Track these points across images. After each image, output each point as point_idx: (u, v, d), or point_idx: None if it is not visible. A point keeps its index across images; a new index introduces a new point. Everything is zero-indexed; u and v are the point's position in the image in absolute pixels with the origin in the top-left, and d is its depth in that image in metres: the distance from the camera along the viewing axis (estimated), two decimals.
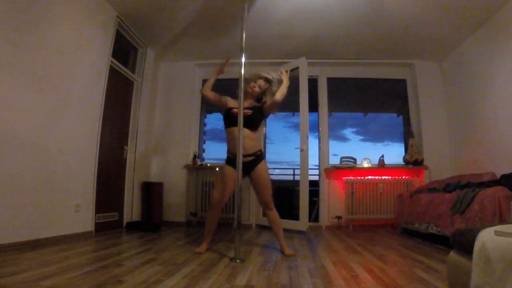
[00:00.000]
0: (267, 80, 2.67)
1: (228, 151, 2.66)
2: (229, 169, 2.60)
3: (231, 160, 2.61)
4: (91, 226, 3.26)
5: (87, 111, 3.21)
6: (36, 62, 2.56)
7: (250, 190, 4.49)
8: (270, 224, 2.67)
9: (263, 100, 2.69)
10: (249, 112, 2.54)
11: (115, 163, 3.80)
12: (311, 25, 3.82)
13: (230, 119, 2.57)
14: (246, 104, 2.59)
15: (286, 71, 2.71)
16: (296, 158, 4.05)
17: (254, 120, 2.59)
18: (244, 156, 2.45)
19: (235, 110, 2.52)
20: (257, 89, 2.66)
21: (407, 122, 4.81)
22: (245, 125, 2.46)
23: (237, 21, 3.70)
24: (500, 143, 3.37)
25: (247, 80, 2.66)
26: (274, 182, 5.83)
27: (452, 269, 1.24)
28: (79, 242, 2.76)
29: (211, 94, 2.68)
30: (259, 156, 2.59)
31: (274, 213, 2.63)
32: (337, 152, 4.89)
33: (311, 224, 4.39)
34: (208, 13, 3.60)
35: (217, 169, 4.19)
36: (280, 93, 2.56)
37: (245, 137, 2.47)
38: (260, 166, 2.57)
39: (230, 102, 2.66)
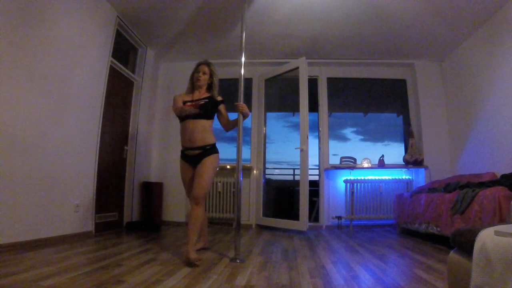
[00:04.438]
0: (207, 64, 2.57)
1: (182, 145, 2.49)
2: (182, 164, 2.49)
3: (183, 154, 2.48)
4: (91, 226, 3.26)
5: (87, 111, 3.21)
6: (36, 62, 2.56)
7: (250, 190, 4.50)
8: (189, 218, 2.33)
9: (212, 92, 2.55)
10: (202, 101, 2.42)
11: (115, 163, 3.80)
12: (311, 25, 3.82)
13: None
14: (198, 95, 2.52)
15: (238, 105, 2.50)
16: (296, 158, 4.05)
17: (210, 110, 2.46)
18: (191, 149, 2.39)
19: (188, 104, 2.43)
20: (204, 76, 2.53)
21: (407, 122, 4.81)
22: (199, 116, 2.38)
23: (237, 21, 3.70)
24: (500, 143, 3.37)
25: (192, 74, 2.58)
26: (274, 182, 5.87)
27: (452, 269, 1.24)
28: (79, 242, 2.76)
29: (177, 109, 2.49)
30: (208, 150, 2.39)
31: (198, 211, 2.28)
32: (337, 152, 4.88)
33: (311, 224, 4.39)
34: (208, 13, 3.60)
35: None
36: (231, 126, 2.53)
37: (196, 130, 2.37)
38: (206, 159, 2.37)
39: (184, 97, 2.54)
